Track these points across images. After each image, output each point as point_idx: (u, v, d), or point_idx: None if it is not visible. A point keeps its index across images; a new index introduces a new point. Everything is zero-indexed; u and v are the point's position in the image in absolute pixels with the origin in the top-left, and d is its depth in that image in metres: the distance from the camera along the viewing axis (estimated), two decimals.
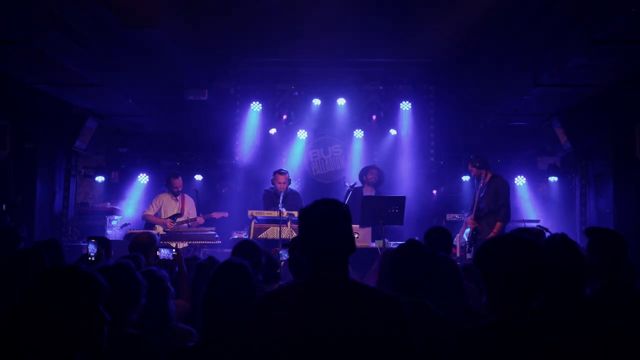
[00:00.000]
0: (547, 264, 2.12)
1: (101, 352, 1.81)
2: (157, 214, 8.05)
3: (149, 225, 7.93)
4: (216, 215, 8.23)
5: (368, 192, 7.86)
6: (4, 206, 6.88)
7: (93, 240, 4.15)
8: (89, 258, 4.06)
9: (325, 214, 2.14)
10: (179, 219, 7.97)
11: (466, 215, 7.49)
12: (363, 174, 8.10)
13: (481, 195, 6.95)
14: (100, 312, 1.80)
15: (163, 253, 3.83)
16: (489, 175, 7.07)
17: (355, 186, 7.85)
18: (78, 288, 1.78)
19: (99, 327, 1.79)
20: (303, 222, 2.18)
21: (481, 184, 7.04)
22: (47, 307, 1.73)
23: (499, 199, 6.91)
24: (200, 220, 7.99)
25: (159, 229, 7.74)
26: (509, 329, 2.03)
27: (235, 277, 2.63)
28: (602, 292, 2.98)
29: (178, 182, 8.15)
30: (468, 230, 7.10)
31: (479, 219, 6.99)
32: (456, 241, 7.02)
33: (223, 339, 2.48)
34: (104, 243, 4.57)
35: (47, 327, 1.73)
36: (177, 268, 3.91)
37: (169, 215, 8.00)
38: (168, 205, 8.13)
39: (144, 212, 8.24)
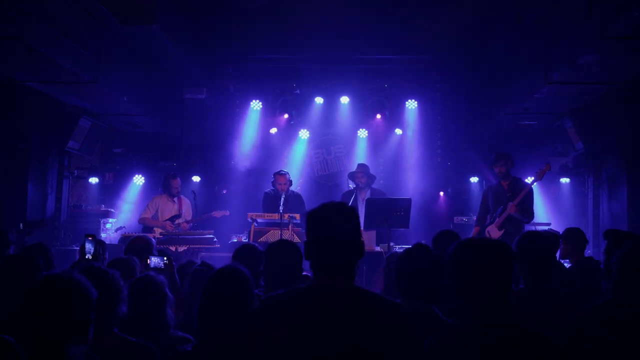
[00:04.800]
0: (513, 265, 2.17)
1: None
2: (154, 217, 7.89)
3: (147, 229, 7.77)
4: (217, 214, 8.04)
5: (363, 194, 7.67)
6: (21, 225, 6.74)
7: (90, 238, 4.04)
8: (86, 256, 3.97)
9: (331, 217, 2.09)
10: (177, 221, 7.78)
11: (486, 223, 6.90)
12: (351, 179, 7.87)
13: (512, 202, 6.54)
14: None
15: (154, 261, 3.74)
16: (511, 178, 6.82)
17: (360, 186, 7.67)
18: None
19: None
20: (309, 226, 2.13)
21: (505, 188, 6.73)
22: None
23: (530, 205, 6.65)
24: (185, 226, 7.73)
25: (157, 233, 7.54)
26: (479, 333, 2.06)
27: (229, 288, 2.57)
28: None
29: (176, 182, 7.98)
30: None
31: (502, 226, 6.63)
32: None
33: (219, 347, 2.48)
34: (99, 244, 4.44)
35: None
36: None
37: (166, 218, 7.83)
38: (165, 207, 7.95)
39: (140, 216, 8.06)
